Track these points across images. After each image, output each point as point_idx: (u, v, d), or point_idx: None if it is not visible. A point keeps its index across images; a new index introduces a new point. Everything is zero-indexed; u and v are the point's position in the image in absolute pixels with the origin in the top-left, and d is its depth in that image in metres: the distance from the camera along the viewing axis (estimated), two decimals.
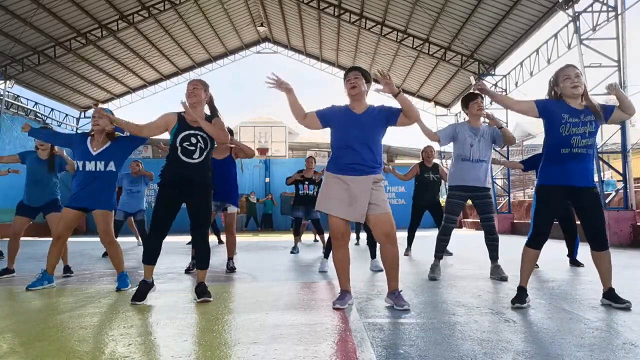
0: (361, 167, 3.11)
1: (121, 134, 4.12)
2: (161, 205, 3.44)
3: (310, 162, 7.66)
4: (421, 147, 7.36)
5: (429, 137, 4.46)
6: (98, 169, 3.97)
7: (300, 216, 7.63)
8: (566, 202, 3.15)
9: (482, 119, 4.48)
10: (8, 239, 5.09)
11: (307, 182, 7.49)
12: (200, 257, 3.57)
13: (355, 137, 3.13)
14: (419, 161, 7.14)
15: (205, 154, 3.49)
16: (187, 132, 3.45)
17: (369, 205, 3.10)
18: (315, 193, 7.40)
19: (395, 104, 3.20)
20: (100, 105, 4.25)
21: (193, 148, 3.45)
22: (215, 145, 5.17)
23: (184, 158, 3.44)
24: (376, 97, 6.68)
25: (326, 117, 3.24)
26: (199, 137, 3.46)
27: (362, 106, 3.22)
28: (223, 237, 7.45)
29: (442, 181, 6.96)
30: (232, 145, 5.14)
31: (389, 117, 3.19)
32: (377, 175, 3.17)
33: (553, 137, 3.15)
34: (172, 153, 3.48)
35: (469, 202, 4.62)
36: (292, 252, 7.55)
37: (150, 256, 3.48)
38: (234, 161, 5.23)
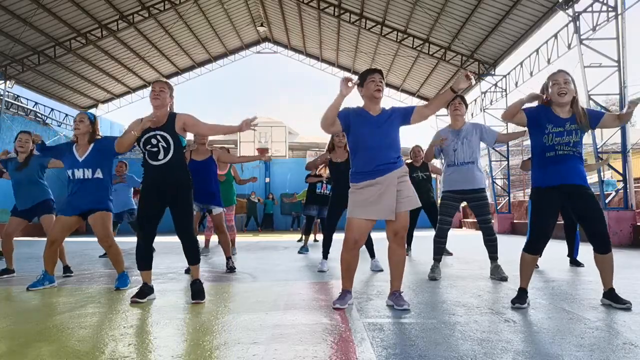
0: (384, 166, 3.09)
1: (103, 136, 4.14)
2: (142, 211, 3.45)
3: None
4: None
5: (429, 158, 4.58)
6: (86, 177, 3.98)
7: (314, 214, 7.53)
8: (561, 204, 3.13)
9: (465, 118, 4.50)
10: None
11: (325, 182, 7.31)
12: (188, 253, 3.53)
13: (375, 139, 3.10)
14: (408, 161, 7.07)
15: (170, 153, 3.42)
16: (147, 135, 3.43)
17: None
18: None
19: (396, 104, 3.21)
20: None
21: (156, 149, 3.42)
22: (196, 147, 5.20)
23: (150, 161, 3.44)
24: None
25: (346, 120, 3.17)
26: (158, 136, 3.42)
27: (378, 109, 3.20)
28: None
29: (435, 177, 6.92)
30: (211, 147, 5.21)
31: (404, 116, 3.19)
32: (401, 168, 3.14)
33: (538, 145, 3.17)
34: (143, 158, 3.50)
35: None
36: (300, 252, 7.43)
37: (143, 262, 3.50)
38: (215, 162, 5.23)
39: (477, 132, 4.40)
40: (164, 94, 3.48)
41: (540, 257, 3.28)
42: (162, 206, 3.48)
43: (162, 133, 3.43)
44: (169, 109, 3.54)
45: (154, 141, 3.42)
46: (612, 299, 3.04)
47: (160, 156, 3.42)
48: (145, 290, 3.44)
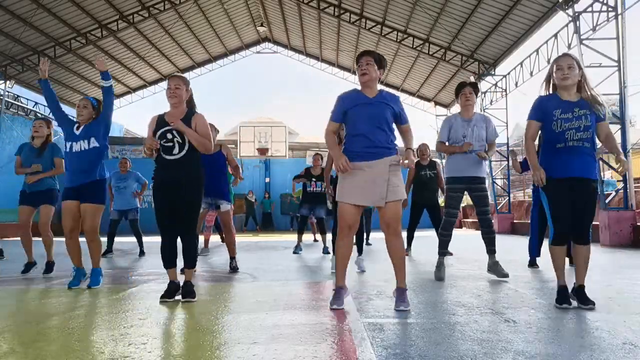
0: (377, 149, 3.07)
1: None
2: (159, 208, 3.44)
3: (317, 159, 7.55)
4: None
5: (441, 150, 4.52)
6: (82, 149, 4.03)
7: (306, 214, 7.50)
8: (569, 193, 3.09)
9: (475, 107, 4.50)
10: (9, 238, 5.09)
11: (314, 180, 7.33)
12: (186, 255, 3.52)
13: (368, 119, 3.09)
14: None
15: (185, 148, 3.43)
16: (162, 130, 3.44)
17: None
18: (323, 190, 7.19)
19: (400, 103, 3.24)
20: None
21: (170, 144, 3.42)
22: None
23: (165, 156, 3.44)
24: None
25: (342, 111, 3.18)
26: (173, 131, 3.42)
27: (374, 91, 3.19)
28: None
29: (440, 178, 6.90)
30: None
31: (396, 114, 3.18)
32: (394, 156, 3.11)
33: (547, 134, 3.11)
34: (157, 153, 3.49)
35: (469, 200, 4.62)
36: (294, 252, 7.43)
37: (167, 261, 3.51)
38: (224, 156, 5.20)
39: (485, 124, 4.43)
40: (179, 91, 3.49)
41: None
42: (176, 201, 3.47)
43: None
44: (185, 106, 3.55)
45: (169, 136, 3.43)
46: (579, 297, 3.03)
47: (175, 151, 3.43)
48: (173, 289, 3.45)
